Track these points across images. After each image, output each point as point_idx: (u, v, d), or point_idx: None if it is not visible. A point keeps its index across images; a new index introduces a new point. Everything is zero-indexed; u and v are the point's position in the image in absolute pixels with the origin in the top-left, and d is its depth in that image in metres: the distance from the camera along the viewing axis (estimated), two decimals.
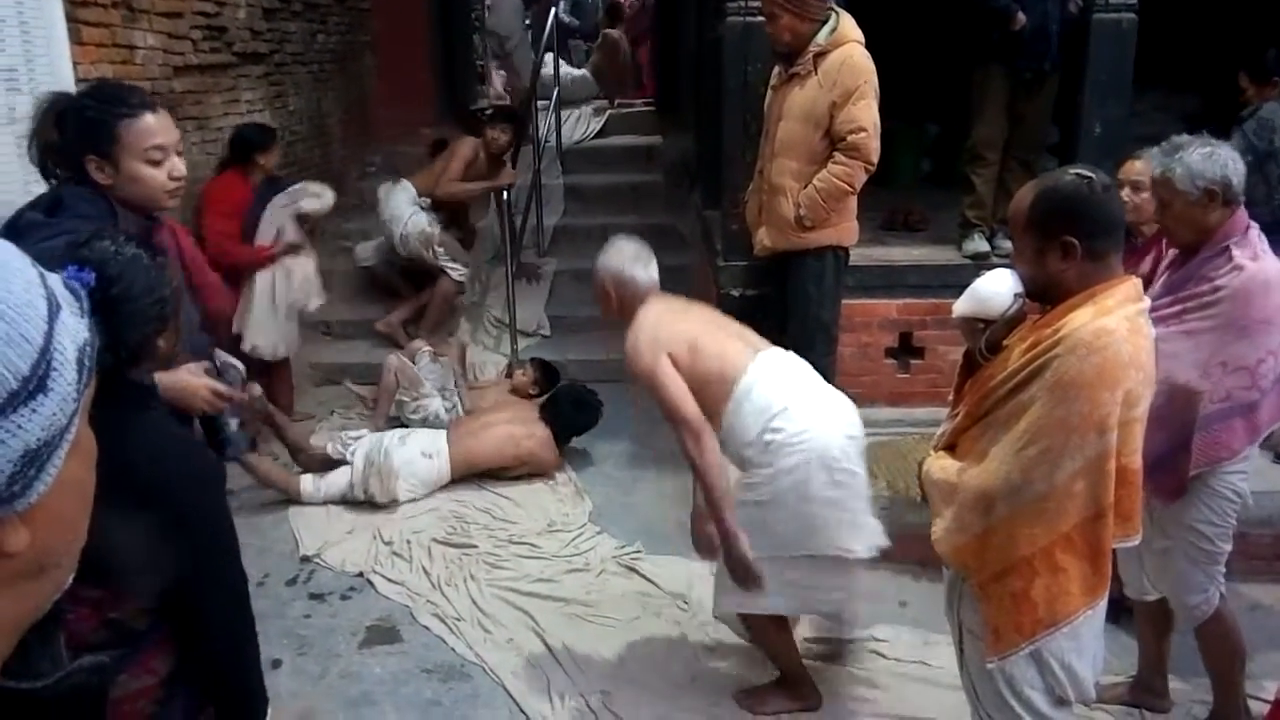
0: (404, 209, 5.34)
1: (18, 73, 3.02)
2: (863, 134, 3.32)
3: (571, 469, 4.42)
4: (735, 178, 3.93)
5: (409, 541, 3.78)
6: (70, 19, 3.36)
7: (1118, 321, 1.75)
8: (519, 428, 4.31)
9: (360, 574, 3.58)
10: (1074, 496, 1.77)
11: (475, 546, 3.73)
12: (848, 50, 3.34)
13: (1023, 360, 1.83)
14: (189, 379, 2.03)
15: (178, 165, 2.01)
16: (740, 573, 2.56)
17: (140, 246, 1.71)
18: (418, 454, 4.09)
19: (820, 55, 3.35)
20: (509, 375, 5.09)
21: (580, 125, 7.76)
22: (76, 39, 3.43)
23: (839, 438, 2.57)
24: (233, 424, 2.26)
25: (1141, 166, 2.91)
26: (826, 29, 3.36)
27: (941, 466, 1.99)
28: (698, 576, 3.50)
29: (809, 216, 3.44)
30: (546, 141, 6.65)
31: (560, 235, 6.40)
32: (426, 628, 3.27)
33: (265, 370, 4.49)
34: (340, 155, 6.55)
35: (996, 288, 2.00)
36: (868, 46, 3.40)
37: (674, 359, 2.59)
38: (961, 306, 2.08)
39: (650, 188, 6.93)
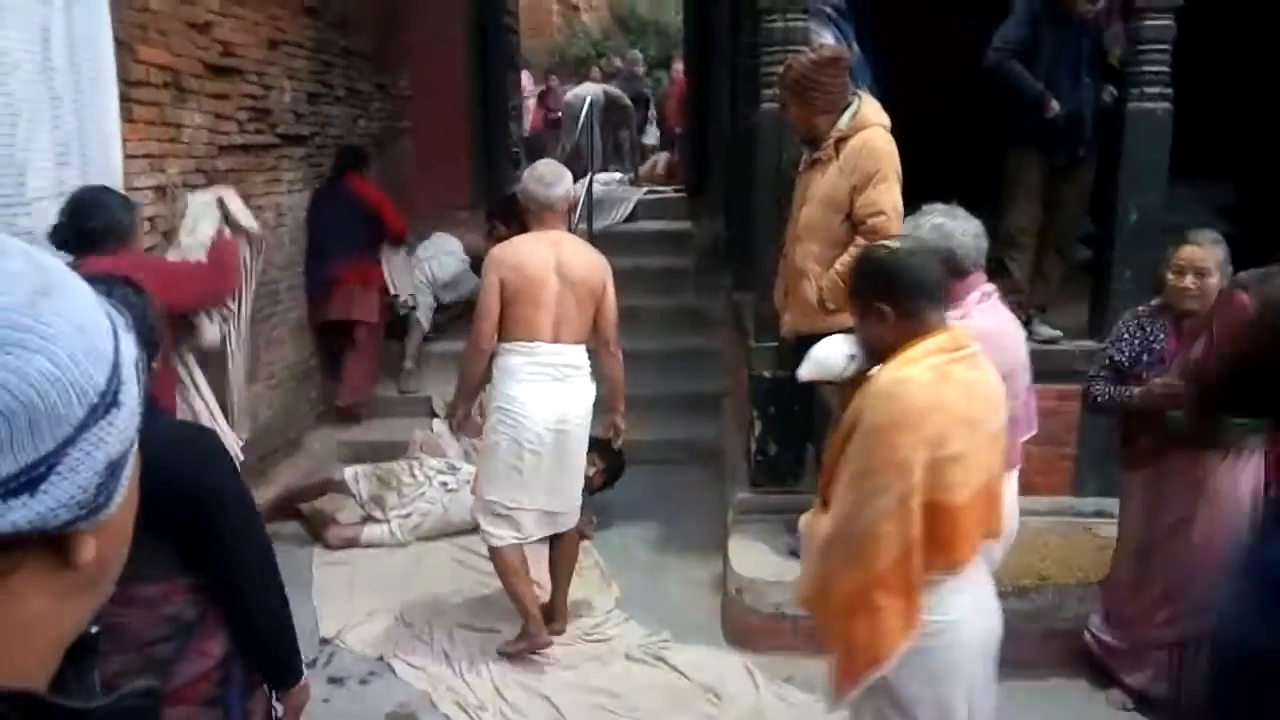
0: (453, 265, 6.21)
1: (69, 148, 3.08)
2: (882, 217, 3.28)
3: (598, 553, 4.31)
4: (767, 261, 3.92)
5: (430, 624, 3.68)
6: (123, 98, 3.46)
7: (919, 370, 1.88)
8: None
9: (380, 657, 3.49)
10: (882, 538, 1.89)
11: (499, 631, 3.62)
12: (868, 135, 3.34)
13: (848, 415, 1.99)
14: None
15: None
16: (454, 426, 3.69)
17: None
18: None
19: (842, 140, 3.35)
20: None
21: (609, 210, 7.94)
22: (127, 116, 3.51)
23: (539, 428, 3.27)
24: None
25: (1203, 253, 2.91)
26: (848, 114, 3.37)
27: (805, 520, 2.14)
28: (730, 669, 3.37)
29: (831, 300, 3.40)
30: (579, 224, 6.73)
31: None
32: (447, 716, 3.15)
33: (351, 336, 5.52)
34: None
35: (829, 352, 2.16)
36: (899, 131, 3.41)
37: (503, 284, 3.25)
38: (803, 371, 2.23)
39: (681, 271, 6.97)
